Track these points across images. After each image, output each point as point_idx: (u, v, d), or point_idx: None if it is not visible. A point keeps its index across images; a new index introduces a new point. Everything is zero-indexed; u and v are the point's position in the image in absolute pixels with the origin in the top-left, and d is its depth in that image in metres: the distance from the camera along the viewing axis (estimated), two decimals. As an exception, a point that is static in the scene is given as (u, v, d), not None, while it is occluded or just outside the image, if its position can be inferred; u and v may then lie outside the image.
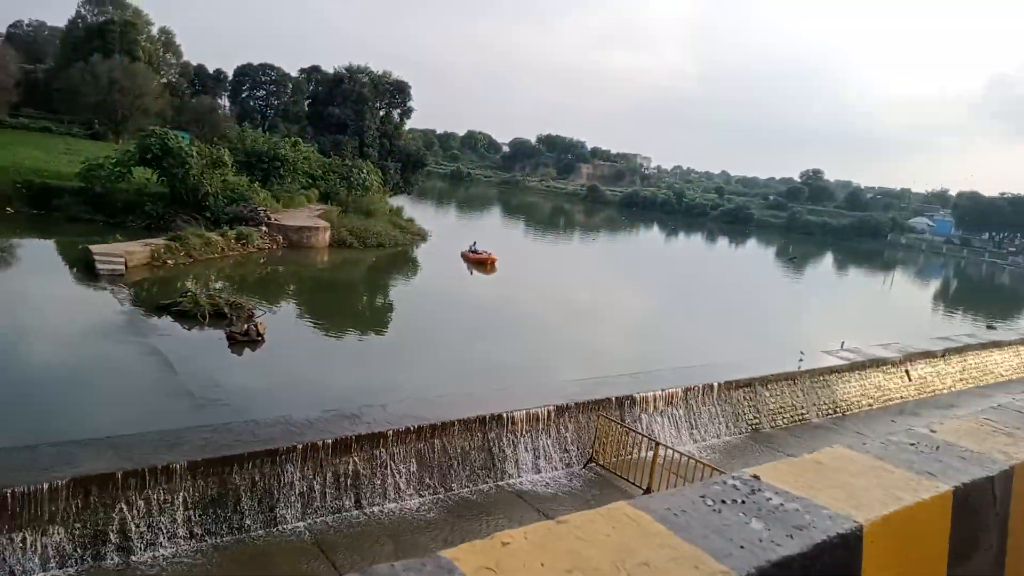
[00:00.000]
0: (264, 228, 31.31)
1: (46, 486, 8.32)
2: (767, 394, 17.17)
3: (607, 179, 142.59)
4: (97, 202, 30.76)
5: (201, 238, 27.00)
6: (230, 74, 77.93)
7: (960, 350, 23.85)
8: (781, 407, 17.36)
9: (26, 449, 9.14)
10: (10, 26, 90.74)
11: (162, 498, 9.13)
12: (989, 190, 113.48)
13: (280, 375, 16.19)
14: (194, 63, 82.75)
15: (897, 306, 49.32)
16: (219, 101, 79.32)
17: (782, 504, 1.72)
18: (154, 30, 77.80)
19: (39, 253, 26.54)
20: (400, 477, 11.09)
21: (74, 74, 58.68)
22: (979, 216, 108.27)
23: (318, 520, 10.26)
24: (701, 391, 15.79)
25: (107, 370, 14.61)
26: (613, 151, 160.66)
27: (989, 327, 35.09)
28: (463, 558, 1.31)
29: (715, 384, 16.06)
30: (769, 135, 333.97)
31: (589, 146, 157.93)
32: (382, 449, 11.03)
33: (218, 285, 23.00)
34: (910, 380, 21.20)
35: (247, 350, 17.12)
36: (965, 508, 2.08)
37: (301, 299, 25.95)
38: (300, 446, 10.29)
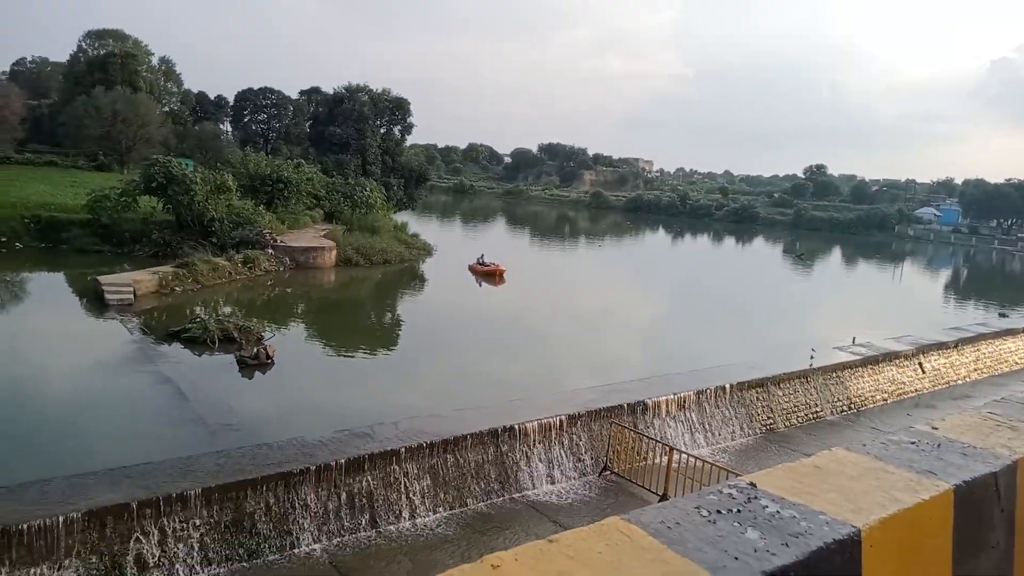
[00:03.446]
0: (270, 251, 31.47)
1: (61, 519, 8.36)
2: (780, 393, 17.06)
3: (610, 185, 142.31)
4: (104, 233, 31.06)
5: (208, 264, 27.15)
6: (231, 100, 78.68)
7: (973, 340, 23.63)
8: (795, 406, 17.24)
9: (40, 483, 9.17)
10: (13, 64, 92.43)
11: (177, 526, 9.14)
12: (995, 177, 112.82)
13: (291, 397, 16.22)
14: (195, 91, 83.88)
15: (908, 298, 48.98)
16: (221, 127, 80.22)
17: (778, 511, 1.70)
18: (154, 60, 78.89)
19: (48, 286, 26.75)
20: (415, 494, 11.07)
21: (77, 107, 59.45)
22: (986, 203, 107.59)
23: (334, 541, 10.24)
24: (713, 393, 15.70)
25: (119, 400, 14.68)
26: (615, 156, 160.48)
27: (1001, 315, 34.77)
28: None
29: (727, 386, 15.96)
30: (770, 133, 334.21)
31: (591, 153, 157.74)
32: (395, 467, 11.02)
33: (227, 310, 23.10)
34: (924, 372, 21.02)
35: (257, 373, 17.17)
36: (967, 506, 2.06)
37: (310, 320, 26.03)
38: (313, 467, 10.28)
